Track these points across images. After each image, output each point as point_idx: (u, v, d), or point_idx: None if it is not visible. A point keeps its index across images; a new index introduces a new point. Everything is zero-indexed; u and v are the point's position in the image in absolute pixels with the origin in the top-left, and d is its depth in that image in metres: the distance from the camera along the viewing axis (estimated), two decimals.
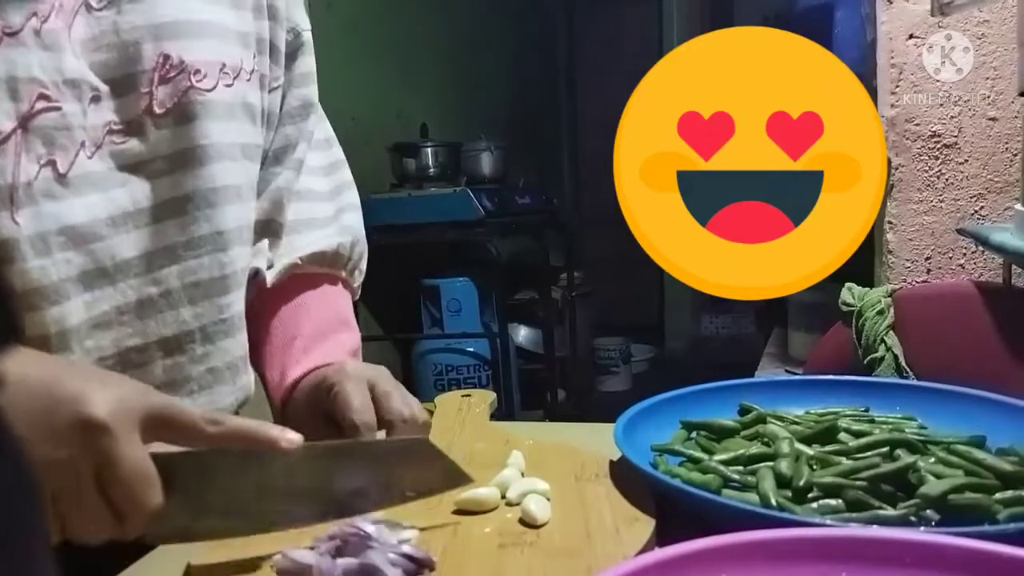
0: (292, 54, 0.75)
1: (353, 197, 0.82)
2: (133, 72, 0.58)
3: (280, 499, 0.52)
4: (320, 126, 0.80)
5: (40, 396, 0.45)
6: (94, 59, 0.57)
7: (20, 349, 0.49)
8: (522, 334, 3.27)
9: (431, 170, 2.88)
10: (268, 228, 0.73)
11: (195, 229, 0.62)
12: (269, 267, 0.73)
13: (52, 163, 0.54)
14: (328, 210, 0.78)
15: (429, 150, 2.89)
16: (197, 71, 0.61)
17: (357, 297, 0.83)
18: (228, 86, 0.64)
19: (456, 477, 0.55)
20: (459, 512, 0.56)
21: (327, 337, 0.75)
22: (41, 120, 0.53)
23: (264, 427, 0.50)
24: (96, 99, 0.57)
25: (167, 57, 0.59)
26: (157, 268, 0.61)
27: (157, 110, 0.59)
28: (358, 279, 0.83)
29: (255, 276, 0.72)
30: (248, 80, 0.66)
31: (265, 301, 0.74)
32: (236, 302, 0.67)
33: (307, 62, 0.76)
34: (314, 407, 0.68)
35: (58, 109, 0.54)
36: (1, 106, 0.52)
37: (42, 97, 0.53)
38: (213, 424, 0.49)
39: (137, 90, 0.59)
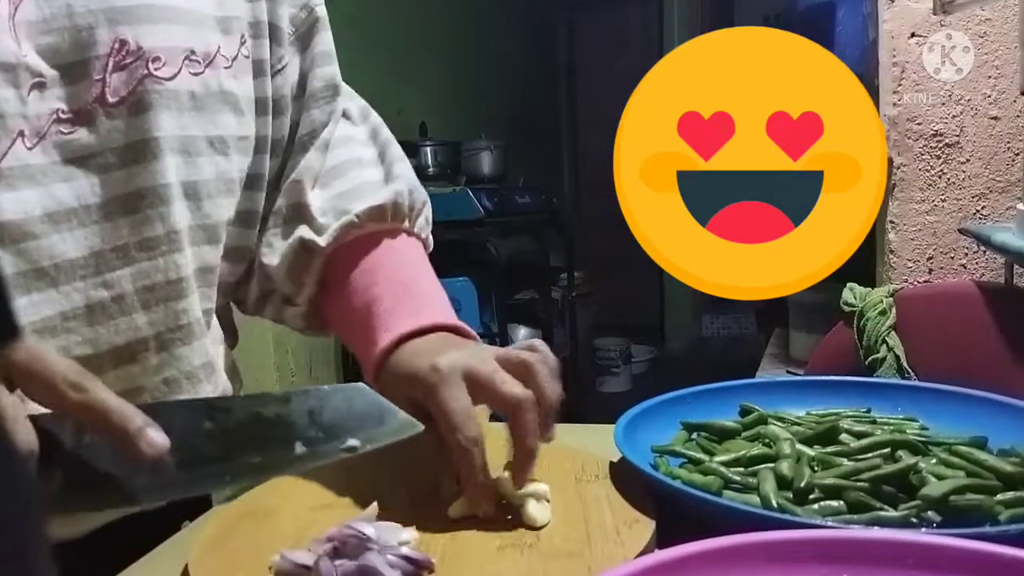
0: (308, 32, 0.71)
1: (398, 151, 0.76)
2: (85, 58, 0.54)
3: (207, 447, 0.46)
4: (351, 102, 0.76)
5: None
6: (42, 42, 0.53)
7: None
8: (522, 334, 3.26)
9: (431, 169, 2.88)
10: (296, 213, 0.70)
11: (148, 228, 0.58)
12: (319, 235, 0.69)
13: None
14: (377, 175, 0.73)
15: (429, 149, 2.89)
16: (156, 58, 0.57)
17: (430, 249, 0.76)
18: (196, 74, 0.59)
19: (403, 426, 0.51)
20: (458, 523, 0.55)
21: (410, 296, 0.67)
22: None
23: (129, 415, 0.42)
24: (40, 85, 0.53)
25: (123, 42, 0.55)
26: (107, 270, 0.56)
27: (110, 99, 0.55)
28: (426, 229, 0.76)
29: (301, 246, 0.68)
30: (228, 67, 0.62)
31: (331, 270, 0.70)
32: (193, 307, 0.62)
33: (325, 39, 0.73)
34: (410, 399, 0.58)
35: None
36: None
37: None
38: (76, 389, 0.41)
39: (89, 77, 0.54)
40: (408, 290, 0.68)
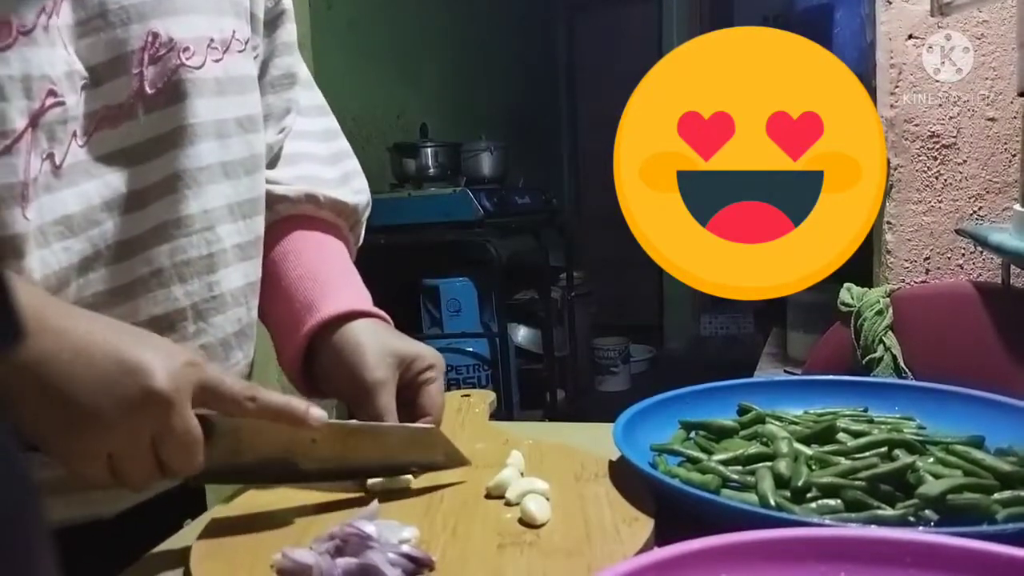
0: (273, 21, 0.73)
1: (355, 164, 0.81)
2: (123, 54, 0.57)
3: (302, 460, 0.58)
4: (308, 94, 0.79)
5: (107, 365, 0.49)
6: (82, 44, 0.56)
7: (69, 308, 0.53)
8: (522, 334, 3.27)
9: (431, 170, 2.88)
10: None
11: (184, 208, 0.61)
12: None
13: (51, 156, 0.54)
14: (332, 173, 0.77)
15: (429, 150, 2.89)
16: (186, 48, 0.60)
17: (354, 256, 0.81)
18: (217, 61, 0.62)
19: (456, 459, 0.63)
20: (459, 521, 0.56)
21: (355, 281, 0.73)
22: (48, 116, 0.53)
23: (292, 404, 0.54)
24: (87, 86, 0.56)
25: (155, 35, 0.58)
26: (149, 247, 0.60)
27: (148, 91, 0.58)
28: (359, 239, 0.81)
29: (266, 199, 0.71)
30: (241, 51, 0.65)
31: (279, 230, 0.73)
32: (225, 279, 0.66)
33: (289, 30, 0.75)
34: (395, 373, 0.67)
35: (63, 104, 0.54)
36: (16, 105, 0.51)
37: (51, 93, 0.53)
38: (251, 401, 0.53)
39: (128, 72, 0.57)
40: (354, 280, 0.74)
